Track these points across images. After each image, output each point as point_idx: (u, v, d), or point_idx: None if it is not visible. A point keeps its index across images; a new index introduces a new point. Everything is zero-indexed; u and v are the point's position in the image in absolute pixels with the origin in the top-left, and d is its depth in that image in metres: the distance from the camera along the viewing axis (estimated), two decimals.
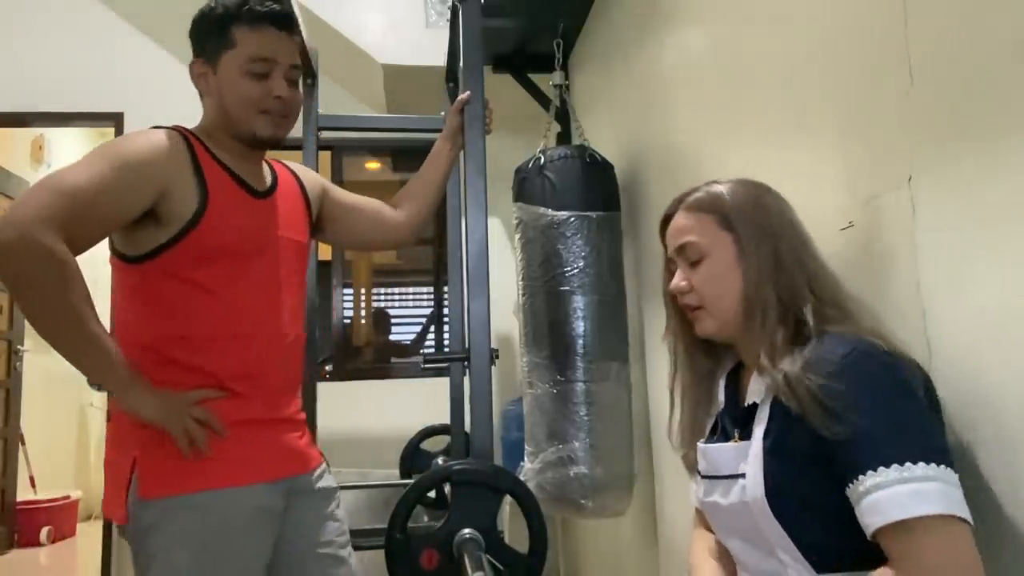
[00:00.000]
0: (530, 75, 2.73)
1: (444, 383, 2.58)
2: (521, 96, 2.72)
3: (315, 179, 1.54)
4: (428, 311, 4.39)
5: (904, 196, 0.92)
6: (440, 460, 2.86)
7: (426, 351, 4.29)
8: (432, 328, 4.27)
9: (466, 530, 1.30)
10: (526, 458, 1.91)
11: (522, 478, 1.78)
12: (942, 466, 0.75)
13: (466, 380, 1.65)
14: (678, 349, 1.06)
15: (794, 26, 1.20)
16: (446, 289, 2.77)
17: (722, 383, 1.03)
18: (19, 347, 4.35)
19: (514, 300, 2.12)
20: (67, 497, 4.59)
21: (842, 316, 0.88)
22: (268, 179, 1.40)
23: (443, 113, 2.21)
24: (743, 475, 0.89)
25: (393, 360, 4.23)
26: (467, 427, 1.65)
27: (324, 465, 1.43)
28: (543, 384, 1.87)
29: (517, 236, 1.99)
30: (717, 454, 0.96)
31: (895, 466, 0.75)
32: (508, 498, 1.38)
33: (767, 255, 0.92)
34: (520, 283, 1.98)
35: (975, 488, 0.80)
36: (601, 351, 1.86)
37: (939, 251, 0.87)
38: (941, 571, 0.72)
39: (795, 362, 0.84)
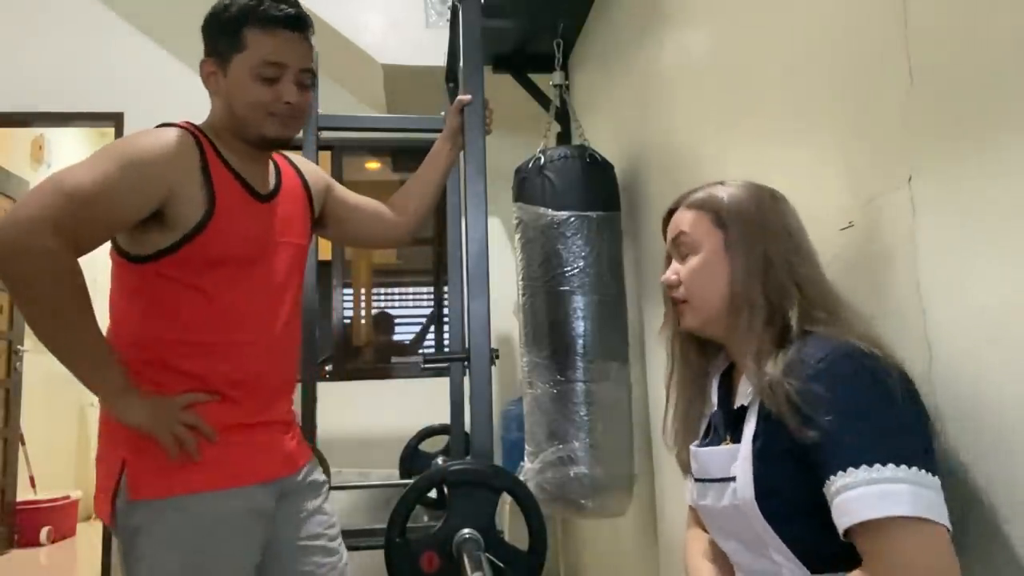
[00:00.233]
0: (530, 75, 2.73)
1: (444, 383, 2.58)
2: (521, 96, 2.71)
3: (319, 176, 1.53)
4: (428, 311, 4.39)
5: (904, 196, 0.91)
6: (439, 460, 2.86)
7: (426, 351, 4.29)
8: (432, 328, 4.27)
9: (465, 530, 1.30)
10: (526, 458, 1.91)
11: (522, 478, 1.78)
12: (915, 468, 0.74)
13: (466, 380, 1.65)
14: (674, 345, 1.06)
15: (794, 26, 1.20)
16: (446, 289, 2.77)
17: (715, 383, 1.03)
18: (19, 347, 4.35)
19: (514, 300, 2.12)
20: (67, 497, 4.58)
21: (831, 319, 0.88)
22: (272, 179, 1.38)
23: (443, 113, 2.22)
24: (734, 478, 0.89)
25: (393, 360, 4.23)
26: (467, 427, 1.65)
27: (313, 460, 1.43)
28: (543, 384, 1.86)
29: (517, 236, 1.99)
30: (708, 457, 0.97)
31: (864, 467, 0.75)
32: (508, 498, 1.38)
33: (757, 256, 0.92)
34: (520, 283, 1.98)
35: (974, 490, 0.80)
36: (601, 351, 1.86)
37: (939, 251, 0.87)
38: (910, 572, 0.71)
39: (777, 365, 0.85)
